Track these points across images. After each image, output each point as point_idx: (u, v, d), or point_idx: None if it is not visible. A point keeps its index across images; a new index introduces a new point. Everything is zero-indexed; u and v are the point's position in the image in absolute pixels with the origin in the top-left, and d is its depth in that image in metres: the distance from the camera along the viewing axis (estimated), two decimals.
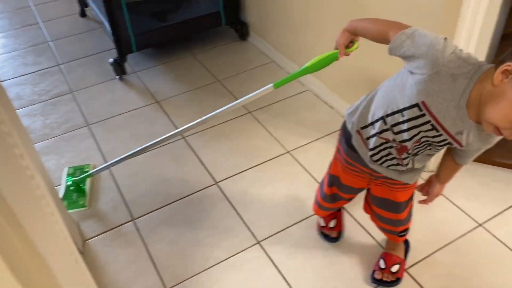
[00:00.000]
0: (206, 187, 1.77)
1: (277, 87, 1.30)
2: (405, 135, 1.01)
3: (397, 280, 1.40)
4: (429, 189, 1.25)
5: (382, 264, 1.42)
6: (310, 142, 1.93)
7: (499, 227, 1.54)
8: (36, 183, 0.95)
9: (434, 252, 1.47)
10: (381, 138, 1.07)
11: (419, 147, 1.04)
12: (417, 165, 1.12)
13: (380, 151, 1.10)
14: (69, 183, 1.75)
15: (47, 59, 2.60)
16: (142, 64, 2.51)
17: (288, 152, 1.90)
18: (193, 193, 1.75)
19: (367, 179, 1.24)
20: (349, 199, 1.40)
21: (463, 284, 1.39)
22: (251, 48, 2.59)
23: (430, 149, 1.05)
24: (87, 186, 1.77)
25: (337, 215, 1.54)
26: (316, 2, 1.96)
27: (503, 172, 1.73)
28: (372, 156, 1.13)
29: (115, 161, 1.68)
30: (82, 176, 1.75)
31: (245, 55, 2.54)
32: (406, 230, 1.36)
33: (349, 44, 1.15)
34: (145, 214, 1.68)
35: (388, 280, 1.40)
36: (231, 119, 2.08)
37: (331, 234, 1.53)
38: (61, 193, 1.74)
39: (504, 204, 1.61)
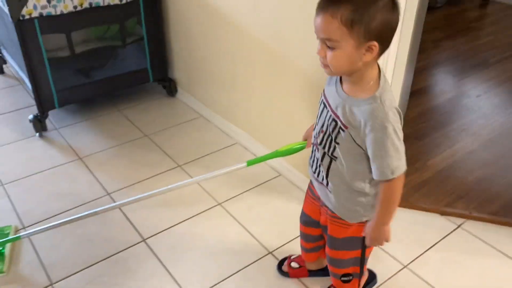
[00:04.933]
0: (133, 245, 1.68)
1: (250, 165, 1.41)
2: (316, 122, 1.18)
3: None
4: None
5: None
6: (241, 193, 1.94)
7: (421, 267, 1.61)
8: None
9: None
10: (313, 143, 1.22)
11: (322, 140, 1.15)
12: (331, 180, 1.18)
13: (312, 154, 1.24)
14: None
15: None
16: (64, 121, 2.42)
17: (219, 204, 1.88)
18: (118, 252, 1.65)
19: (319, 208, 1.33)
20: (308, 237, 1.44)
21: None
22: (179, 103, 2.62)
23: (328, 139, 1.13)
24: (7, 249, 1.61)
25: (304, 269, 1.57)
26: (242, 60, 2.05)
27: (420, 215, 1.84)
28: (310, 164, 1.25)
29: (48, 227, 1.54)
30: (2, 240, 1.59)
31: (173, 110, 2.55)
32: (348, 276, 1.38)
33: None
34: (66, 278, 1.55)
35: None
36: (159, 174, 2.05)
37: (284, 267, 1.57)
38: None
39: (424, 246, 1.70)
